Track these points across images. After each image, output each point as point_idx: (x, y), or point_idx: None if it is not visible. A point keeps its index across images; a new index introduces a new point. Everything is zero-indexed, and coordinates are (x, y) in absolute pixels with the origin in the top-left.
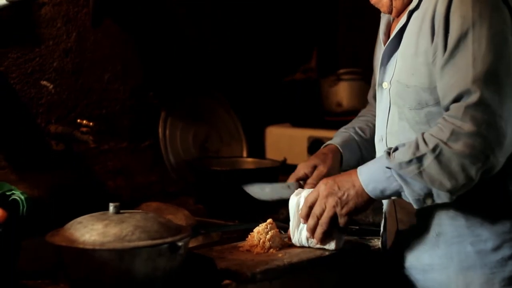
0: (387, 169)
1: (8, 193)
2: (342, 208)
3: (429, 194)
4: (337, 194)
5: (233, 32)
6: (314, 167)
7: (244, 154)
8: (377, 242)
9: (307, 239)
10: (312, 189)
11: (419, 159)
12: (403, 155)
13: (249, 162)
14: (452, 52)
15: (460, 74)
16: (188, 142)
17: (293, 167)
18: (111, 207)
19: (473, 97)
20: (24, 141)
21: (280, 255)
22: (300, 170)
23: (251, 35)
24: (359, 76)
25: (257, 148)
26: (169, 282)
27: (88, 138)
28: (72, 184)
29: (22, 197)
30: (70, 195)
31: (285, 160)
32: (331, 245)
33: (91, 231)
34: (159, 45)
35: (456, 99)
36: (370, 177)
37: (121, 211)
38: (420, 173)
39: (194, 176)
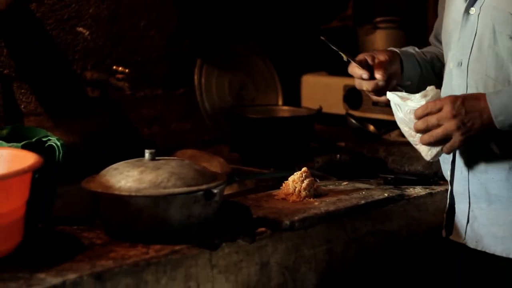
0: None
1: (44, 139)
2: (462, 134)
3: None
4: (463, 120)
5: None
6: (373, 57)
7: (280, 102)
8: (412, 191)
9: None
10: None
11: None
12: None
13: (284, 110)
14: None
15: None
16: (224, 90)
17: (328, 116)
18: (147, 153)
19: None
20: (60, 87)
21: (316, 203)
22: (359, 56)
23: None
24: (396, 25)
25: (293, 97)
26: (204, 229)
27: (123, 85)
28: (107, 130)
29: (58, 143)
30: (105, 141)
31: (320, 108)
32: (428, 154)
33: (126, 177)
34: None
35: None
36: (503, 108)
37: (157, 158)
38: None
39: (229, 124)
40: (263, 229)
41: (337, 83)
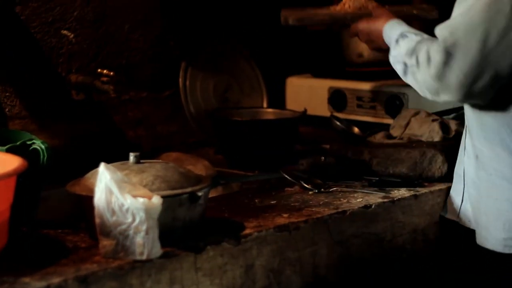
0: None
1: (28, 143)
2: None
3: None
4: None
5: None
6: None
7: (265, 105)
8: (396, 193)
9: None
10: None
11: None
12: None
13: (269, 113)
14: None
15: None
16: (209, 92)
17: (313, 118)
18: (131, 156)
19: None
20: (45, 90)
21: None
22: None
23: None
24: None
25: (278, 99)
26: (189, 232)
27: (108, 88)
28: (92, 134)
29: (43, 147)
30: (90, 144)
31: (305, 111)
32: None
33: None
34: None
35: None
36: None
37: (141, 161)
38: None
39: (214, 127)
40: (247, 231)
41: (322, 85)
